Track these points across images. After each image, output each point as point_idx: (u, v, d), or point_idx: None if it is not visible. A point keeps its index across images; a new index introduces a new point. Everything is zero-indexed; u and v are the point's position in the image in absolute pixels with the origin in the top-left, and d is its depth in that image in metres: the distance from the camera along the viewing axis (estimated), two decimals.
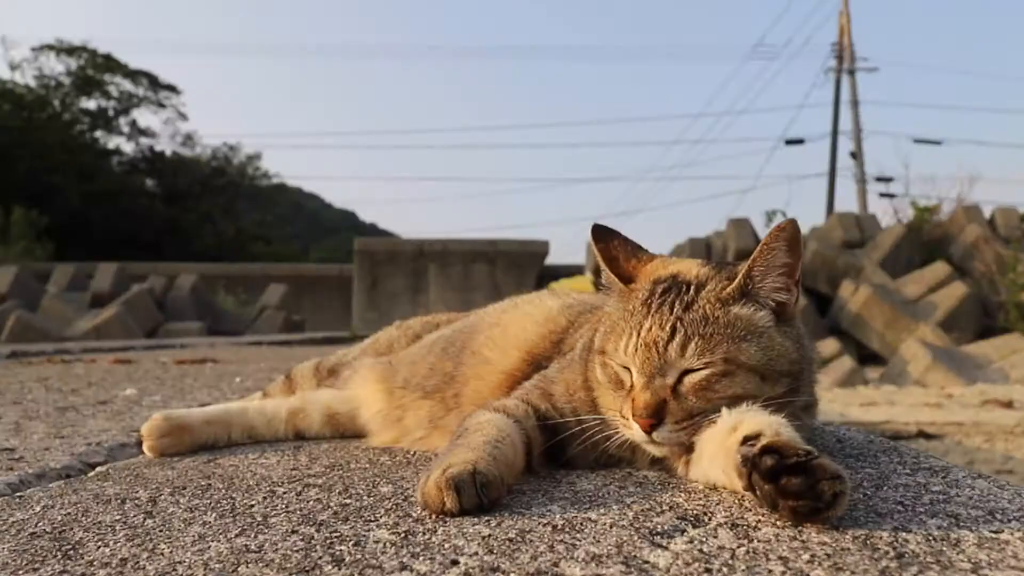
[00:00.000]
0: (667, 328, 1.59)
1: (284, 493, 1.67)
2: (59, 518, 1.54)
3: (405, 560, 1.19)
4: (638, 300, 1.67)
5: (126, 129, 48.81)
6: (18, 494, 1.79)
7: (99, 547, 1.33)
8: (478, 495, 1.41)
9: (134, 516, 1.53)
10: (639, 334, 1.61)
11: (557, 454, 1.79)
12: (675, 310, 1.61)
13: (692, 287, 1.64)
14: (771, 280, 1.63)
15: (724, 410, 1.54)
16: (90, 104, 47.70)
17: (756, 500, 1.38)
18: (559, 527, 1.33)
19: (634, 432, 1.60)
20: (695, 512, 1.41)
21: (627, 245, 1.82)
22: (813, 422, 1.85)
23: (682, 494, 1.54)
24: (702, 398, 1.56)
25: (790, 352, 1.63)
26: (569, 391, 1.80)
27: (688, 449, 1.62)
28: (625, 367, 1.64)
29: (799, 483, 1.27)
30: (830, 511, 1.27)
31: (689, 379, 1.56)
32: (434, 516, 1.41)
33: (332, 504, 1.56)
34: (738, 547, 1.21)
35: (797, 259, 1.64)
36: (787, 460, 1.29)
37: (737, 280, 1.62)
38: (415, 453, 2.12)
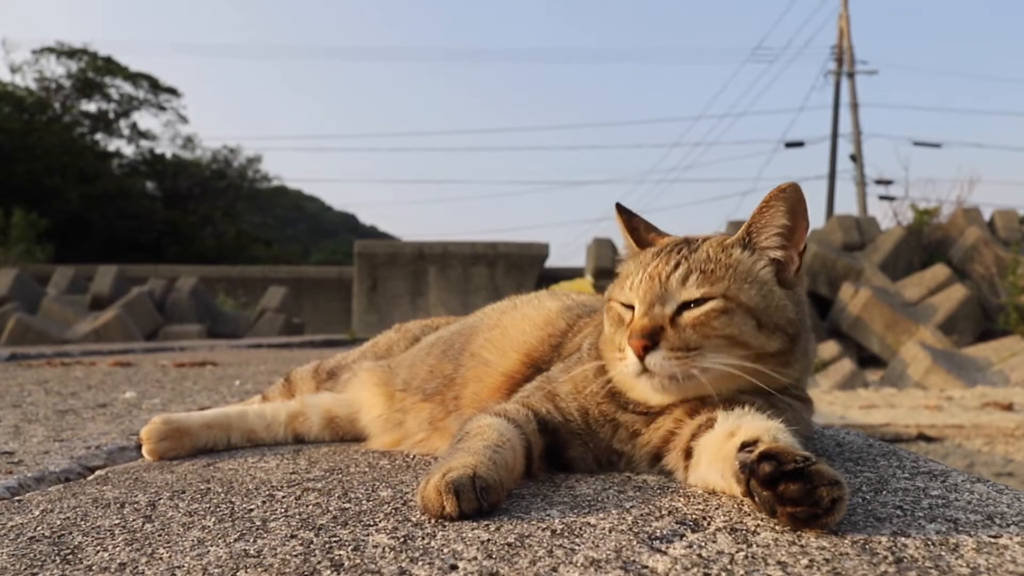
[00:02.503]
0: (671, 264, 1.67)
1: (283, 497, 1.67)
2: (58, 522, 1.54)
3: (404, 565, 1.19)
4: (649, 253, 1.76)
5: (126, 132, 48.88)
6: (17, 498, 1.79)
7: (98, 551, 1.33)
8: (477, 499, 1.41)
9: (133, 520, 1.53)
10: (645, 270, 1.68)
11: (556, 456, 1.79)
12: (681, 252, 1.70)
13: (699, 240, 1.74)
14: (767, 238, 1.69)
15: (721, 415, 1.55)
16: (90, 107, 47.79)
17: (754, 505, 1.38)
18: (558, 531, 1.33)
19: (628, 363, 1.62)
20: (694, 517, 1.41)
21: (647, 223, 1.92)
22: (810, 418, 1.86)
23: (681, 498, 1.54)
24: (699, 332, 1.59)
25: (788, 311, 1.67)
26: (578, 388, 1.80)
27: (687, 455, 1.62)
28: (628, 305, 1.69)
29: (797, 489, 1.28)
30: (828, 517, 1.27)
31: (688, 312, 1.61)
32: (433, 520, 1.41)
33: (331, 508, 1.56)
34: (737, 552, 1.20)
35: (797, 223, 1.69)
36: (785, 466, 1.29)
37: (738, 233, 1.71)
38: (414, 457, 2.12)
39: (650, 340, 1.58)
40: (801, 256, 1.72)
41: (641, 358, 1.59)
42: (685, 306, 1.62)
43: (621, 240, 1.91)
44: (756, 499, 1.34)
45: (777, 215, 1.67)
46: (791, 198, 1.65)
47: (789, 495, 1.28)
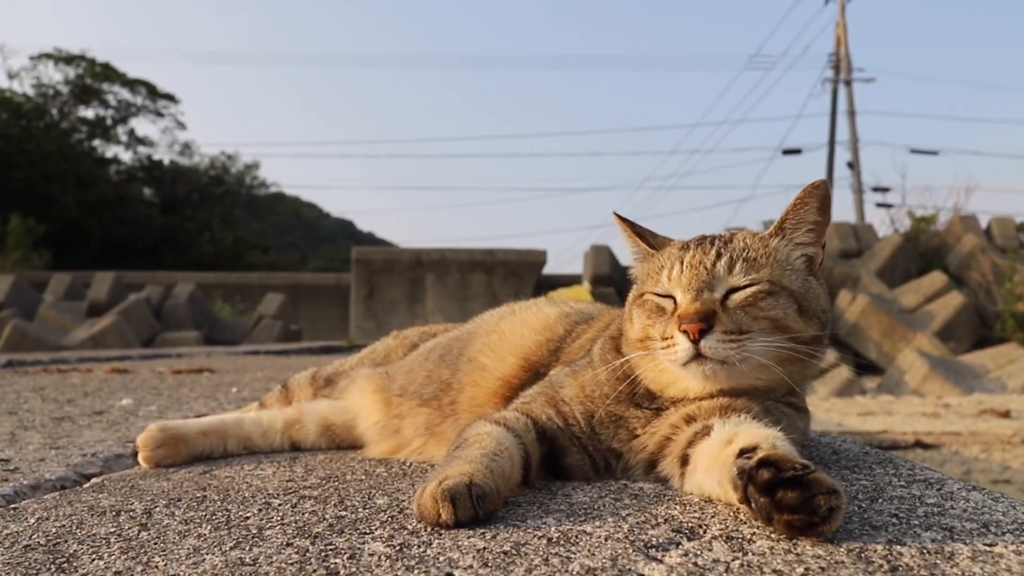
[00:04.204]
0: (712, 253, 1.69)
1: (279, 505, 1.67)
2: (53, 530, 1.54)
3: (400, 573, 1.18)
4: (674, 248, 1.78)
5: (124, 138, 48.93)
6: (13, 505, 1.79)
7: (93, 560, 1.33)
8: (474, 507, 1.40)
9: (129, 528, 1.53)
10: (683, 262, 1.70)
11: (554, 464, 1.78)
12: (716, 244, 1.72)
13: (725, 234, 1.77)
14: (801, 234, 1.73)
15: (717, 422, 1.55)
16: (88, 113, 47.85)
17: (751, 513, 1.38)
18: (554, 539, 1.33)
19: (679, 348, 1.61)
20: (690, 525, 1.41)
21: (649, 230, 1.93)
22: (807, 426, 1.86)
23: (677, 506, 1.54)
24: (749, 314, 1.62)
25: (822, 299, 1.73)
26: (586, 392, 1.80)
27: (683, 462, 1.62)
28: (668, 295, 1.70)
29: (795, 497, 1.28)
30: (825, 525, 1.27)
31: (736, 295, 1.64)
32: (430, 528, 1.41)
33: (327, 516, 1.55)
34: (733, 560, 1.21)
35: (826, 219, 1.75)
36: (784, 473, 1.29)
37: (772, 227, 1.74)
38: (411, 464, 2.12)
39: (705, 323, 1.59)
40: (823, 248, 1.78)
41: (696, 342, 1.59)
42: (732, 290, 1.64)
43: (625, 246, 1.91)
44: (753, 505, 1.34)
45: (810, 212, 1.72)
46: (823, 195, 1.71)
47: (787, 502, 1.28)
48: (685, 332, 1.59)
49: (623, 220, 1.91)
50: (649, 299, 1.73)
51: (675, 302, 1.67)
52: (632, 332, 1.76)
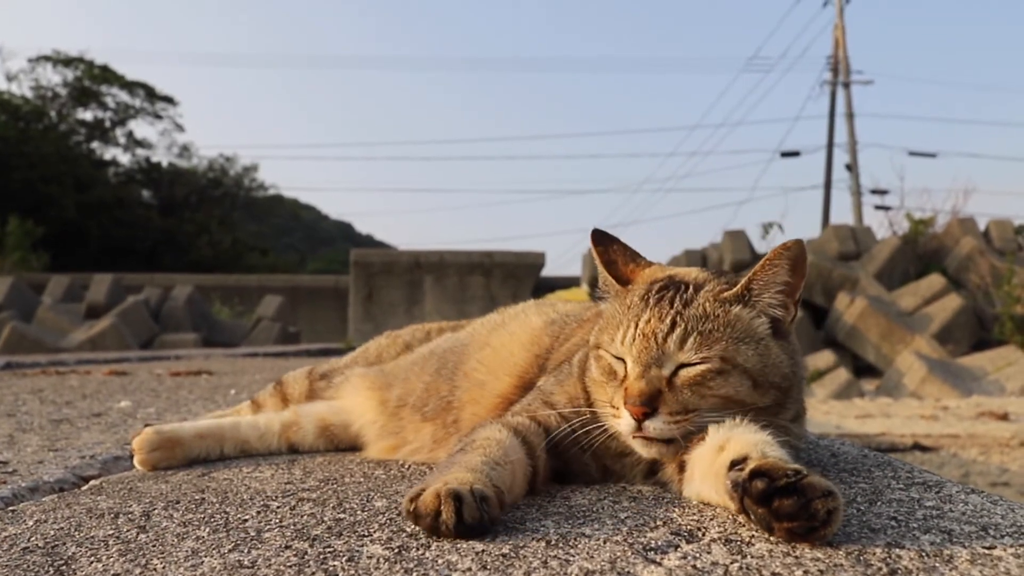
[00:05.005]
0: (667, 321, 1.60)
1: (278, 507, 1.67)
2: (52, 532, 1.54)
3: None
4: (636, 296, 1.69)
5: (123, 140, 48.89)
6: (11, 508, 1.79)
7: (92, 562, 1.33)
8: (479, 510, 1.35)
9: (127, 531, 1.53)
10: (637, 325, 1.62)
11: (562, 472, 1.77)
12: (675, 305, 1.62)
13: (691, 287, 1.66)
14: (769, 295, 1.64)
15: (711, 427, 1.54)
16: (87, 115, 47.79)
17: (751, 522, 1.38)
18: (553, 542, 1.33)
19: (623, 422, 1.59)
20: (689, 527, 1.41)
21: (626, 251, 1.85)
22: (803, 431, 1.85)
23: (676, 509, 1.54)
24: (696, 393, 1.57)
25: (783, 366, 1.64)
26: (573, 404, 1.79)
27: (680, 468, 1.61)
28: (619, 358, 1.65)
29: (792, 504, 1.27)
30: (825, 529, 1.27)
31: (685, 372, 1.58)
32: (426, 534, 1.38)
33: (326, 519, 1.55)
34: (731, 563, 1.21)
35: (799, 279, 1.66)
36: (777, 482, 1.29)
37: (737, 287, 1.64)
38: (410, 467, 2.12)
39: (649, 407, 1.55)
40: (797, 305, 1.69)
41: (640, 421, 1.56)
42: (681, 367, 1.58)
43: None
44: (752, 516, 1.34)
45: (781, 273, 1.63)
46: (794, 256, 1.62)
47: (784, 510, 1.28)
48: (631, 412, 1.57)
49: (598, 242, 1.83)
50: (604, 356, 1.68)
51: (626, 368, 1.62)
52: (591, 374, 1.74)
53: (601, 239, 1.84)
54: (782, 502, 1.28)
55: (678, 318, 1.60)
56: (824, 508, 1.26)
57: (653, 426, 1.56)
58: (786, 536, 1.29)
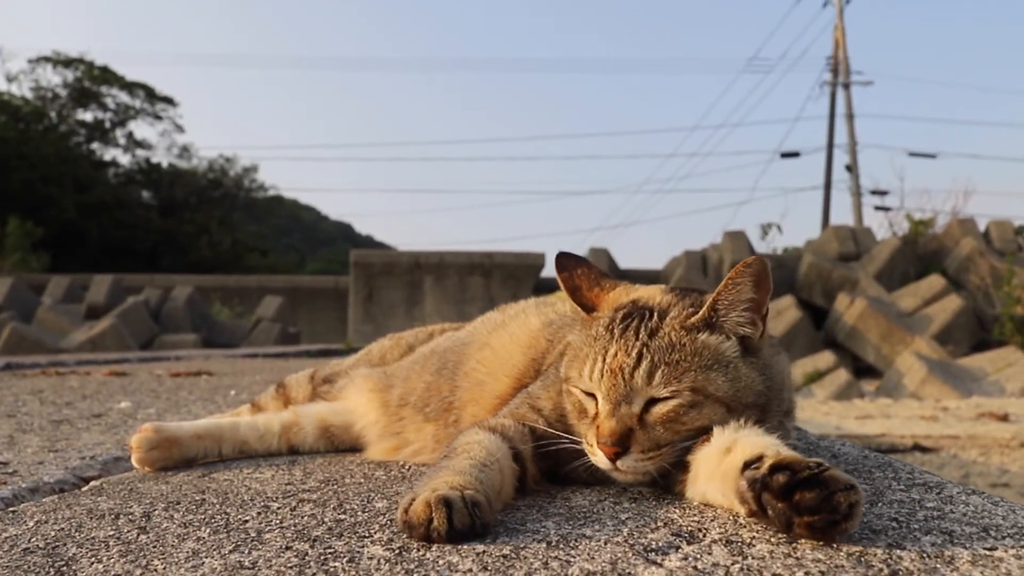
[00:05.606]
0: (633, 354, 1.58)
1: (278, 508, 1.67)
2: (52, 533, 1.54)
3: None
4: (601, 326, 1.67)
5: (122, 141, 48.86)
6: (11, 508, 1.79)
7: (92, 563, 1.33)
8: (470, 515, 1.35)
9: (128, 532, 1.53)
10: (604, 360, 1.60)
11: (555, 471, 1.78)
12: (640, 336, 1.60)
13: (655, 313, 1.64)
14: (736, 314, 1.62)
15: (716, 429, 1.54)
16: (87, 116, 47.78)
17: (764, 522, 1.36)
18: (553, 543, 1.33)
19: (598, 459, 1.60)
20: (690, 528, 1.41)
21: (590, 274, 1.83)
22: (792, 425, 1.85)
23: (677, 510, 1.54)
24: (669, 429, 1.56)
25: (756, 384, 1.63)
26: (557, 411, 1.80)
27: (683, 469, 1.61)
28: (589, 393, 1.64)
29: (814, 497, 1.26)
30: (847, 523, 1.26)
31: (656, 409, 1.56)
32: (418, 541, 1.35)
33: (326, 520, 1.55)
34: (732, 564, 1.20)
35: (764, 294, 1.64)
36: (800, 474, 1.28)
37: (702, 311, 1.62)
38: (410, 468, 2.12)
39: (621, 446, 1.55)
40: (764, 319, 1.67)
41: (613, 460, 1.56)
42: (652, 401, 1.57)
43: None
44: (770, 512, 1.31)
45: (744, 290, 1.61)
46: (757, 271, 1.60)
47: (806, 504, 1.26)
48: (603, 451, 1.57)
49: (562, 268, 1.81)
50: (574, 391, 1.67)
51: (596, 404, 1.61)
52: (566, 407, 1.74)
53: (565, 264, 1.82)
54: (803, 495, 1.26)
55: (644, 350, 1.58)
56: (846, 501, 1.25)
57: (625, 465, 1.56)
58: (806, 531, 1.27)
